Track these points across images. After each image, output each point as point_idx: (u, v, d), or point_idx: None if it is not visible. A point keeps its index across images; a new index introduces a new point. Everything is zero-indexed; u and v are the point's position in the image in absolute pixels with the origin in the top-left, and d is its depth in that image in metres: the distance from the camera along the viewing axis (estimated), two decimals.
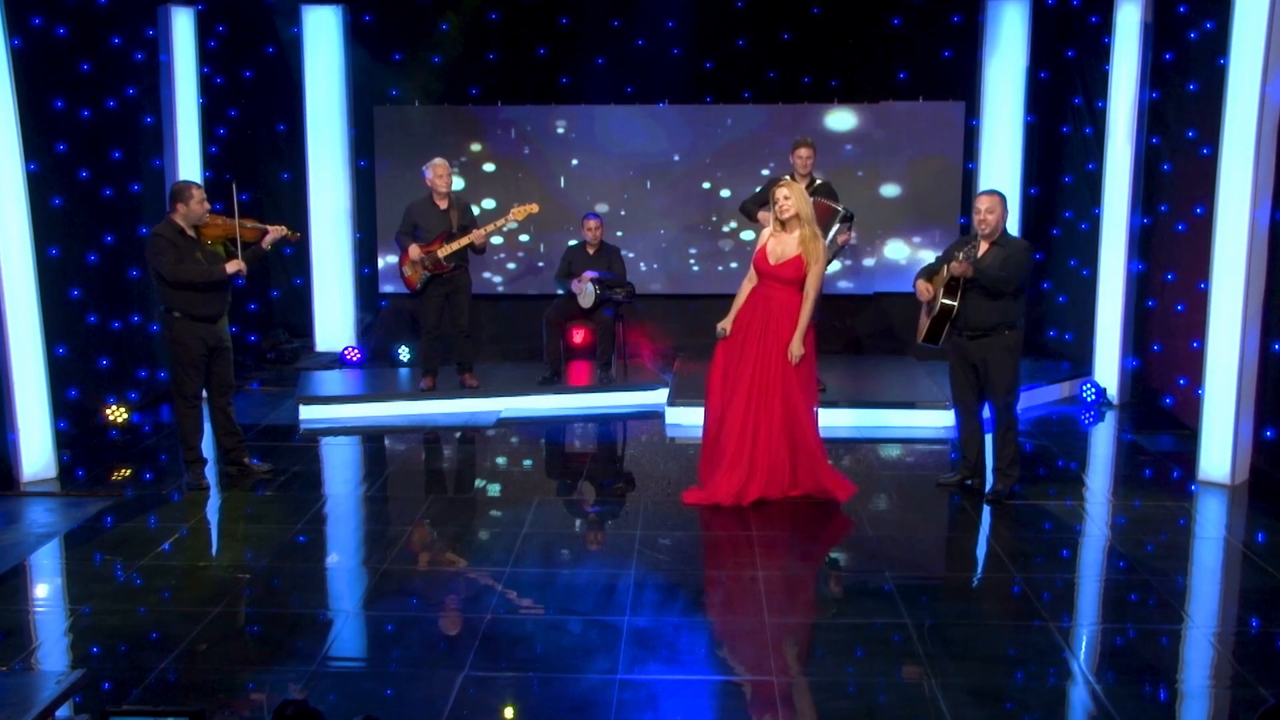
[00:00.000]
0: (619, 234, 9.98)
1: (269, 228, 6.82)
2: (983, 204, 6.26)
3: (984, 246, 6.27)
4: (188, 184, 6.70)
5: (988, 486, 6.55)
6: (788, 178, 6.93)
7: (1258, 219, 6.48)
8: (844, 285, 10.25)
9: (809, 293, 6.24)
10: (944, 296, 6.24)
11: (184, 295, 6.50)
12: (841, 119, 10.11)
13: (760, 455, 6.30)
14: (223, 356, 6.77)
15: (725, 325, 6.41)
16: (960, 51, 9.88)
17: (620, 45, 10.13)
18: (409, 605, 5.14)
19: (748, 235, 10.03)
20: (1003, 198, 6.30)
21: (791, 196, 6.24)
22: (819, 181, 8.11)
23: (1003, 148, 9.66)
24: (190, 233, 6.57)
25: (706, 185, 10.25)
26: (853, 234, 8.12)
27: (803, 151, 8.00)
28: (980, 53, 9.68)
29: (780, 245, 6.27)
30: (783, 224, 6.28)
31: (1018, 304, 6.29)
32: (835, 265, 9.96)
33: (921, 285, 6.39)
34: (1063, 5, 9.50)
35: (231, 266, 6.57)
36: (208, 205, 6.62)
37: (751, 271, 6.41)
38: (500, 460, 7.67)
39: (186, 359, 6.60)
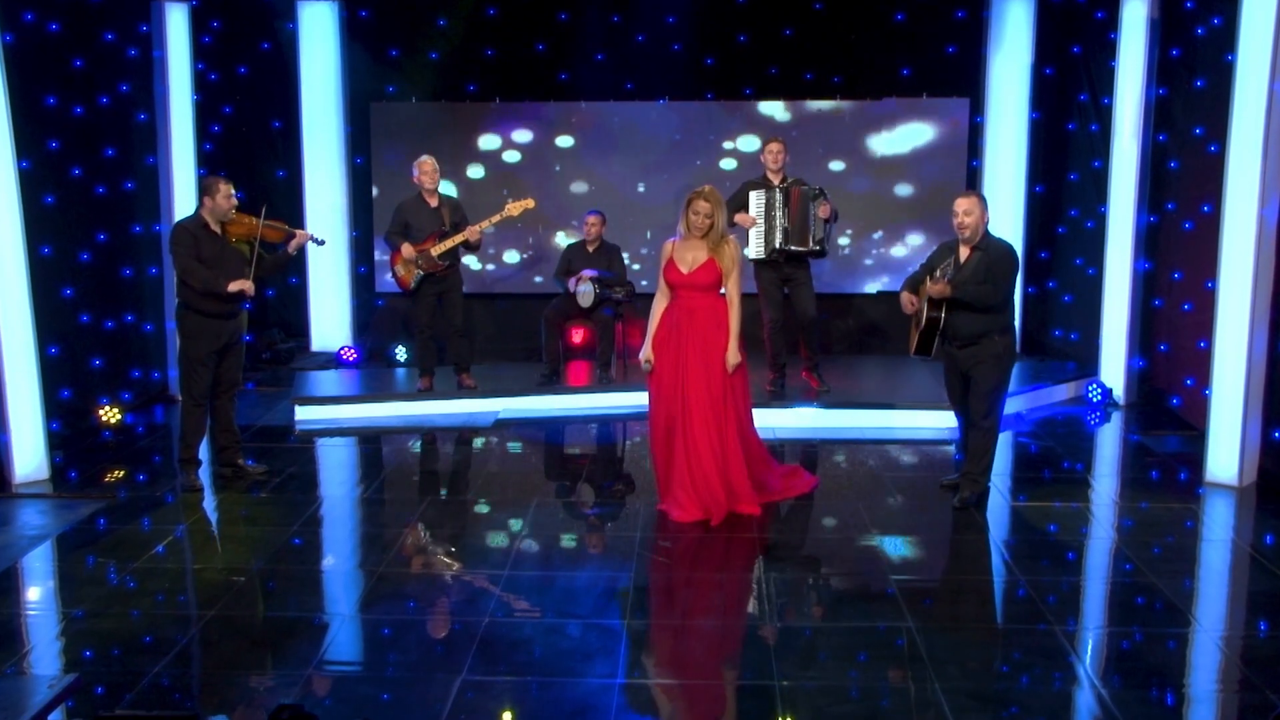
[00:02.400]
0: (626, 231, 9.90)
1: (295, 231, 6.76)
2: (960, 206, 6.03)
3: (965, 252, 6.09)
4: (216, 178, 6.61)
5: (990, 491, 6.46)
6: (709, 188, 6.21)
7: (1265, 217, 6.41)
8: (845, 284, 10.17)
9: (733, 298, 6.06)
10: (929, 310, 6.11)
11: (198, 290, 6.44)
12: (844, 115, 10.04)
13: (728, 470, 6.08)
14: (234, 354, 6.73)
15: (648, 355, 6.13)
16: (965, 47, 9.82)
17: (620, 41, 10.06)
18: (406, 608, 5.07)
19: None
20: (982, 199, 6.09)
21: (713, 215, 6.01)
22: (791, 178, 8.04)
23: (1008, 145, 9.63)
24: (215, 229, 6.51)
25: (707, 183, 10.17)
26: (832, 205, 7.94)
27: (774, 146, 7.95)
28: (985, 49, 9.63)
29: (689, 253, 6.06)
30: (690, 231, 6.05)
31: (1006, 310, 6.12)
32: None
33: (906, 298, 6.26)
34: (1068, 1, 9.43)
35: (234, 286, 6.43)
36: (234, 201, 6.54)
37: (662, 288, 6.17)
38: (498, 461, 7.62)
39: (196, 356, 6.54)
